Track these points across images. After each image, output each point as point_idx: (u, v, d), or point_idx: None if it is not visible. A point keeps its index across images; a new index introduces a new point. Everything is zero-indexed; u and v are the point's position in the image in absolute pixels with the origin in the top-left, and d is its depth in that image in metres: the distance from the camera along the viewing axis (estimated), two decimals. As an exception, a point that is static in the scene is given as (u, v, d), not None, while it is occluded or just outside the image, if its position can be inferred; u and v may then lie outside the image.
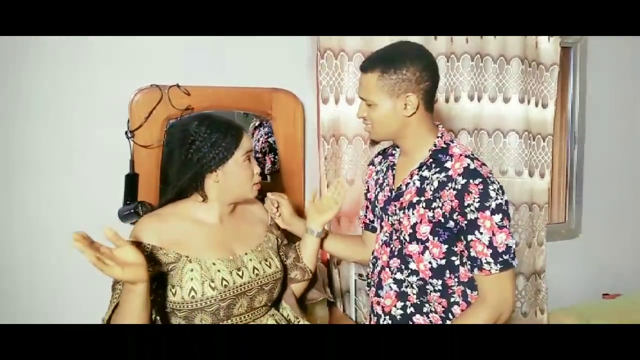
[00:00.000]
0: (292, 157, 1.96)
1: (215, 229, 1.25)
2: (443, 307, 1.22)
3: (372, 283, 1.36)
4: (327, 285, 1.90)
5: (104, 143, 1.71)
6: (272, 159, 1.98)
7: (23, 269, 1.68)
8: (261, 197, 1.39)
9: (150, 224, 1.18)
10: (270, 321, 1.30)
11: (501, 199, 1.14)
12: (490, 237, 1.13)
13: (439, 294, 1.22)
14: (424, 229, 1.20)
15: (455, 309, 1.22)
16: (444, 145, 1.23)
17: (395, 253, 1.28)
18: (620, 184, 2.77)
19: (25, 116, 1.64)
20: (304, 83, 1.99)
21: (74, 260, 0.95)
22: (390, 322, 1.30)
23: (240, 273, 1.20)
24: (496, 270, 1.13)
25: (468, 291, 1.22)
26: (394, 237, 1.28)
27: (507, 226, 1.14)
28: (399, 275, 1.27)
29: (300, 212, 1.53)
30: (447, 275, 1.21)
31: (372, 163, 1.47)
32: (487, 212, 1.12)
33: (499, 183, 1.16)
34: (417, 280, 1.24)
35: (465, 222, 1.14)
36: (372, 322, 1.38)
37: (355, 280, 1.97)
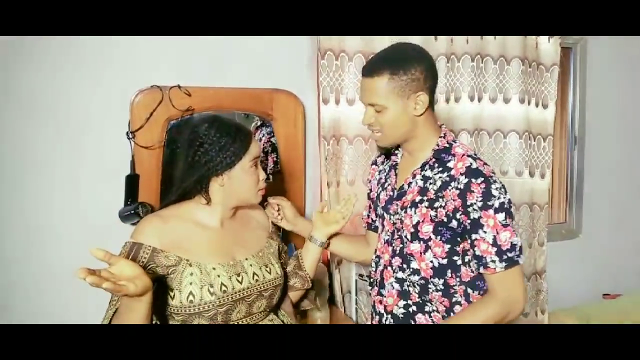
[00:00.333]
0: (292, 158, 1.96)
1: (216, 233, 1.23)
2: (445, 306, 1.23)
3: (375, 282, 1.36)
4: (328, 286, 1.90)
5: (105, 144, 1.72)
6: (275, 159, 1.98)
7: (23, 269, 1.68)
8: (262, 202, 1.38)
9: (151, 225, 1.16)
10: (269, 326, 1.29)
11: (504, 197, 1.14)
12: (494, 236, 1.13)
13: (440, 293, 1.22)
14: (427, 228, 1.21)
15: (457, 309, 1.22)
16: (447, 145, 1.23)
17: (397, 252, 1.28)
18: (620, 184, 2.77)
19: (26, 117, 1.64)
20: (305, 84, 1.99)
21: (74, 261, 0.95)
22: (392, 321, 1.30)
23: (239, 278, 1.19)
24: (501, 268, 1.14)
25: (470, 291, 1.22)
26: (396, 236, 1.28)
27: (511, 225, 1.14)
28: (400, 274, 1.27)
29: (300, 213, 1.53)
30: (449, 274, 1.21)
31: (374, 162, 1.47)
32: (490, 211, 1.13)
33: (501, 182, 1.17)
34: (419, 279, 1.24)
35: (469, 221, 1.15)
36: (374, 321, 1.38)
37: (356, 280, 1.97)
